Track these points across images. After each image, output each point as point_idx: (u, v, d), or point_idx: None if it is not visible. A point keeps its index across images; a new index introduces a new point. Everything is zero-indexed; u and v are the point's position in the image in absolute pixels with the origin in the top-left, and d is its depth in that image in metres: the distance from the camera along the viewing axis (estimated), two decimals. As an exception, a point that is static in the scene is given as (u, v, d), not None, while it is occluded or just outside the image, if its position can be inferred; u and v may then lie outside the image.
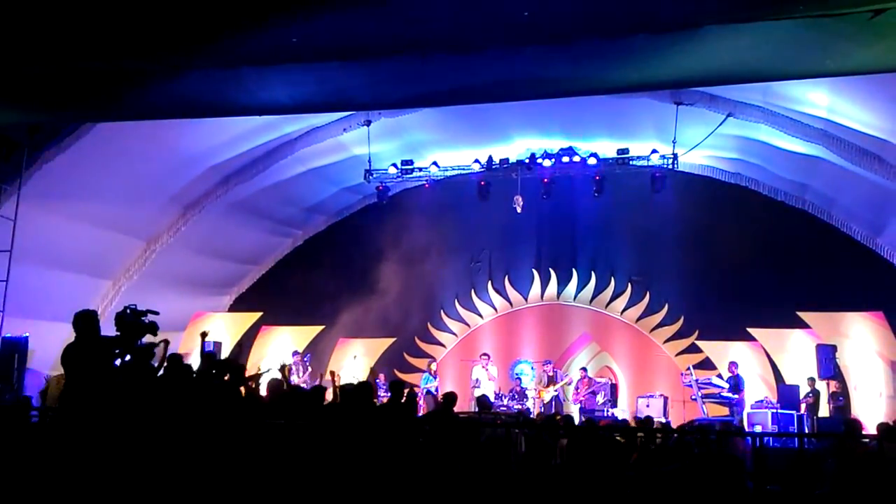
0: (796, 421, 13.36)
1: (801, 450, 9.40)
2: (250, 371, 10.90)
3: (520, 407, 14.81)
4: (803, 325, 14.83)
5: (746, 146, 15.05)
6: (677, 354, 16.74)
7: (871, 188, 13.64)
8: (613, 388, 15.89)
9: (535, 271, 18.17)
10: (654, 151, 15.26)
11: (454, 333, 18.55)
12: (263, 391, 8.56)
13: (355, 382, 8.95)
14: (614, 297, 17.58)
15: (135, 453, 5.98)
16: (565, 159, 15.88)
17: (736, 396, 14.08)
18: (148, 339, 6.64)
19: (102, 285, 15.81)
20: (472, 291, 18.48)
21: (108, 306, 15.39)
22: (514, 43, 8.40)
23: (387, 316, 17.80)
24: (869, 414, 13.82)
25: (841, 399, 13.82)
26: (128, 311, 6.25)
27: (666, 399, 14.73)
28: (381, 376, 16.74)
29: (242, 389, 8.04)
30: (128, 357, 6.54)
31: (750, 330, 15.40)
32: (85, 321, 5.96)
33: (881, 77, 9.64)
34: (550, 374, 15.77)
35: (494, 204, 17.13)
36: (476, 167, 16.35)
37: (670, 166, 15.08)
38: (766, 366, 15.47)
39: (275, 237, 19.26)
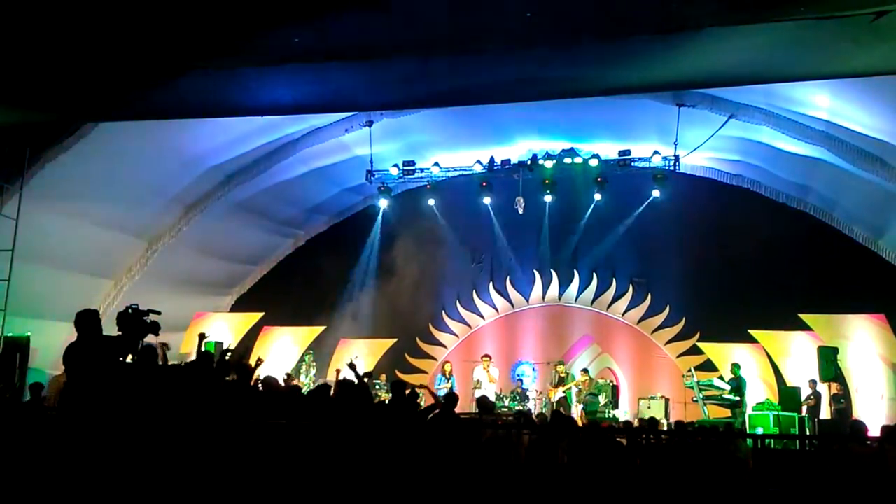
0: (797, 423, 13.35)
1: (802, 452, 9.40)
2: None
3: (521, 408, 14.78)
4: (805, 327, 14.81)
5: (748, 148, 15.04)
6: (679, 356, 16.73)
7: (872, 190, 13.63)
8: (615, 390, 15.87)
9: (536, 272, 18.17)
10: (655, 153, 15.26)
11: (455, 334, 18.54)
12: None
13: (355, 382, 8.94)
14: (616, 298, 17.57)
15: (137, 453, 5.99)
16: (567, 160, 15.89)
17: (738, 398, 14.07)
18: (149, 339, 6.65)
19: (104, 285, 15.84)
20: (474, 292, 18.48)
21: (109, 306, 15.41)
22: (516, 44, 8.42)
23: (388, 316, 17.80)
24: (870, 416, 13.81)
25: (842, 401, 13.80)
26: (129, 310, 6.24)
27: (667, 401, 14.72)
28: (383, 377, 16.74)
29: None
30: (129, 357, 6.54)
31: (751, 332, 15.37)
32: (86, 320, 5.96)
33: (883, 79, 9.64)
34: (563, 374, 15.70)
35: (496, 205, 17.14)
36: (478, 168, 16.36)
37: (672, 168, 15.07)
38: (768, 368, 15.45)
39: (276, 237, 19.27)
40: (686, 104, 13.71)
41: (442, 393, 15.22)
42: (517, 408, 14.74)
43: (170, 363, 9.91)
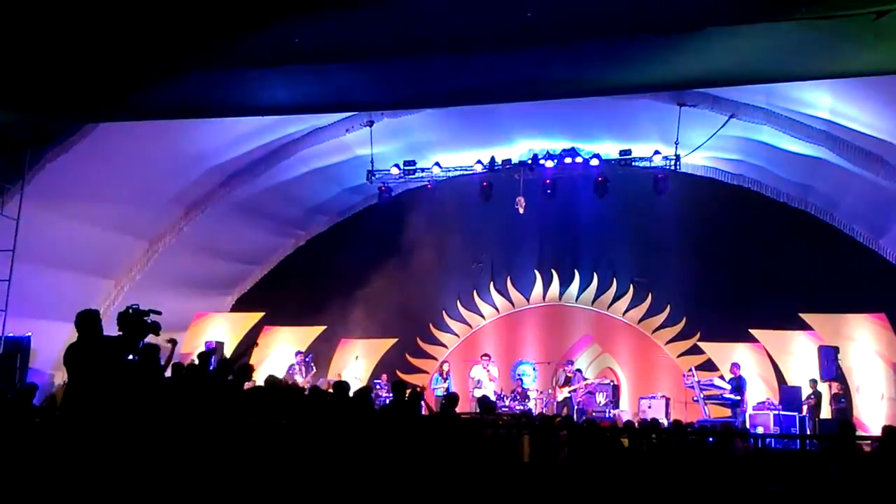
0: (798, 422, 13.35)
1: (803, 451, 9.38)
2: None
3: (521, 408, 14.78)
4: (805, 326, 14.81)
5: (749, 147, 15.04)
6: (679, 356, 16.72)
7: (873, 189, 13.63)
8: (615, 390, 15.86)
9: (537, 272, 18.16)
10: (656, 153, 15.24)
11: (456, 334, 18.54)
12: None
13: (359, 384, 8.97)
14: (616, 298, 17.56)
15: (139, 453, 5.99)
16: (567, 160, 15.87)
17: (738, 398, 14.06)
18: (150, 338, 6.65)
19: (105, 285, 15.85)
20: (475, 292, 18.47)
21: (110, 306, 15.42)
22: (517, 44, 8.41)
23: (389, 316, 17.80)
24: (871, 416, 13.82)
25: (843, 401, 13.80)
26: (130, 310, 6.24)
27: (668, 400, 14.71)
28: (384, 377, 16.76)
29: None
30: (131, 357, 6.55)
31: (752, 331, 15.38)
32: (87, 321, 5.96)
33: (884, 79, 9.63)
34: (570, 374, 15.67)
35: (497, 205, 17.12)
36: (478, 168, 16.35)
37: (673, 167, 15.05)
38: (768, 367, 15.45)
39: (277, 237, 19.28)
40: (687, 104, 13.69)
41: (439, 393, 15.25)
42: (518, 407, 14.75)
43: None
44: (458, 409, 10.03)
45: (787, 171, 15.41)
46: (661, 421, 13.10)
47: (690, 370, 15.06)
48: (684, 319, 16.79)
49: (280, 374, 16.03)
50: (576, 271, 17.86)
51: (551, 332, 17.82)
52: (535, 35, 8.08)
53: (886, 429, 8.78)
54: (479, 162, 16.30)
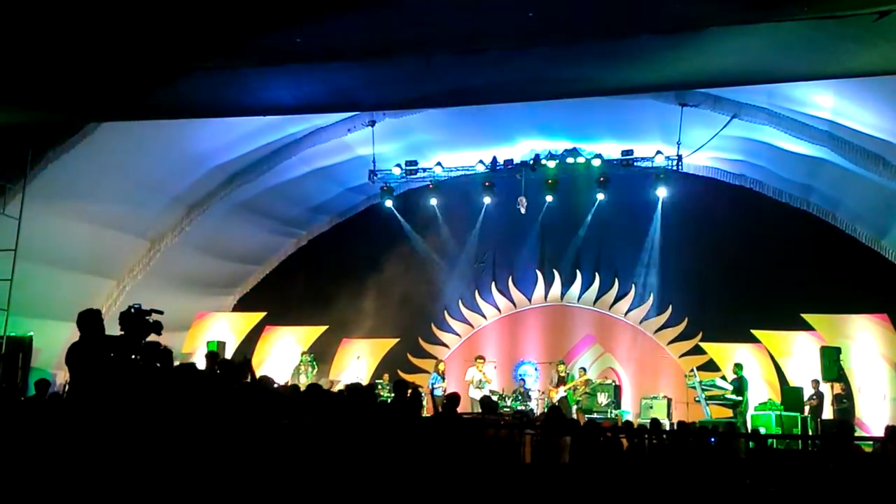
0: (800, 423, 13.34)
1: (805, 452, 9.38)
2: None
3: (523, 408, 14.78)
4: (807, 327, 14.79)
5: (751, 148, 15.02)
6: (681, 356, 16.72)
7: (875, 190, 13.61)
8: (617, 390, 15.86)
9: (538, 272, 18.16)
10: (658, 153, 15.23)
11: (458, 334, 18.54)
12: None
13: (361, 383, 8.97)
14: (618, 298, 17.56)
15: (140, 452, 5.99)
16: (569, 160, 15.87)
17: (740, 398, 14.06)
18: (152, 338, 6.65)
19: (107, 285, 15.85)
20: (476, 292, 18.48)
21: (112, 306, 15.43)
22: (519, 44, 8.42)
23: (390, 316, 17.80)
24: (873, 416, 13.81)
25: (845, 401, 13.79)
26: (132, 310, 6.25)
27: (670, 400, 14.71)
28: (385, 377, 16.76)
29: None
30: (133, 356, 6.55)
31: (754, 332, 15.36)
32: (89, 320, 5.97)
33: (886, 79, 9.62)
34: (563, 374, 15.67)
35: (498, 205, 17.13)
36: (480, 168, 16.35)
37: (675, 167, 15.05)
38: (770, 368, 15.44)
39: (279, 237, 19.28)
40: (689, 104, 13.69)
41: (438, 393, 15.26)
42: (519, 407, 14.74)
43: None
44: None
45: (789, 172, 15.40)
46: (662, 421, 13.11)
47: (692, 370, 15.05)
48: (686, 320, 16.79)
49: (285, 375, 16.13)
50: (577, 271, 17.86)
51: (553, 333, 17.82)
52: (536, 35, 8.09)
53: (889, 429, 8.78)
54: (480, 162, 16.30)
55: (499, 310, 18.45)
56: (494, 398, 13.34)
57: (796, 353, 15.14)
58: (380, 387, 15.76)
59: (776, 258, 15.77)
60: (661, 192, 15.90)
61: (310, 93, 10.14)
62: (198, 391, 7.08)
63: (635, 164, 15.66)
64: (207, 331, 17.65)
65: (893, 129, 11.76)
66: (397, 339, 18.23)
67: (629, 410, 15.72)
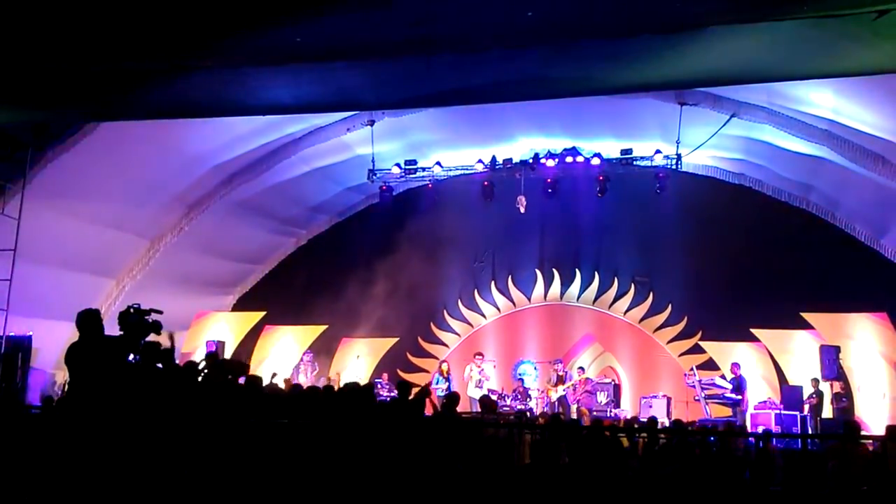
0: (799, 422, 13.35)
1: (804, 451, 9.37)
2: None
3: (522, 407, 14.78)
4: (807, 325, 14.80)
5: (750, 147, 15.03)
6: (680, 355, 16.71)
7: (875, 189, 13.62)
8: (617, 389, 15.87)
9: (538, 271, 18.15)
10: (657, 151, 15.23)
11: (457, 333, 18.54)
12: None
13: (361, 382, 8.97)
14: (617, 297, 17.56)
15: (140, 452, 5.99)
16: (569, 159, 15.87)
17: (739, 397, 14.07)
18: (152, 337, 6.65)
19: (106, 284, 15.85)
20: (476, 291, 18.47)
21: (111, 305, 15.43)
22: (519, 43, 8.41)
23: (390, 316, 17.79)
24: (872, 415, 13.81)
25: (844, 400, 13.79)
26: (131, 310, 6.25)
27: (669, 399, 14.71)
28: (385, 376, 16.77)
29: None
30: (131, 356, 6.55)
31: (753, 331, 15.37)
32: (88, 320, 5.96)
33: (885, 77, 9.62)
34: (560, 373, 15.65)
35: (498, 204, 17.12)
36: (479, 167, 16.34)
37: (674, 166, 15.05)
38: (770, 367, 15.44)
39: (278, 237, 19.28)
40: (688, 103, 13.69)
41: (440, 393, 15.23)
42: (518, 407, 14.74)
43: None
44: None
45: (789, 171, 15.41)
46: (660, 420, 13.12)
47: (692, 369, 15.06)
48: (685, 319, 16.79)
49: (285, 374, 16.12)
50: (577, 270, 17.86)
51: (552, 332, 17.82)
52: (536, 34, 8.08)
53: (890, 428, 8.78)
54: (480, 161, 16.30)
55: (498, 309, 18.45)
56: (493, 397, 13.33)
57: (795, 352, 15.15)
58: (379, 386, 15.76)
59: (775, 257, 15.77)
60: (661, 191, 15.89)
61: (310, 93, 10.13)
62: (192, 391, 7.09)
63: (635, 163, 15.67)
64: (207, 330, 17.66)
65: (893, 128, 11.76)
66: (397, 339, 18.22)
67: (629, 409, 15.72)
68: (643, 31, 8.01)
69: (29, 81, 9.44)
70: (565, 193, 16.68)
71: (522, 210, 16.41)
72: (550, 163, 15.95)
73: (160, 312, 6.40)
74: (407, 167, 16.59)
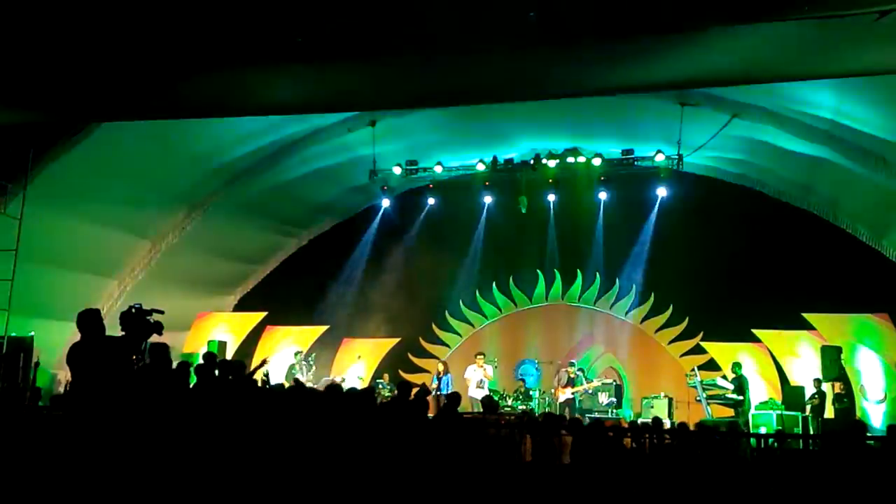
0: (801, 422, 13.34)
1: (806, 451, 9.39)
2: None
3: (524, 407, 14.77)
4: (808, 326, 14.78)
5: (751, 147, 15.02)
6: (682, 355, 16.72)
7: (876, 189, 13.62)
8: (618, 390, 15.86)
9: (539, 272, 18.16)
10: (658, 152, 15.21)
11: (459, 334, 18.55)
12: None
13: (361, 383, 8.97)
14: (619, 298, 17.57)
15: (143, 452, 6.00)
16: (570, 159, 15.85)
17: (741, 398, 14.05)
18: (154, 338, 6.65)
19: (108, 284, 15.86)
20: (477, 291, 18.48)
21: (113, 305, 15.43)
22: (520, 43, 8.40)
23: (391, 316, 17.81)
24: (873, 416, 13.80)
25: (845, 400, 13.78)
26: (133, 310, 6.25)
27: (671, 400, 14.71)
28: (386, 376, 16.77)
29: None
30: (134, 356, 6.55)
31: (755, 331, 15.36)
32: (89, 320, 5.96)
33: (886, 78, 9.62)
34: (573, 375, 15.62)
35: (499, 204, 17.11)
36: (481, 167, 16.32)
37: (675, 167, 15.04)
38: (771, 367, 15.44)
39: (280, 237, 19.29)
40: (689, 103, 13.66)
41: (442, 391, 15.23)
42: (520, 407, 14.73)
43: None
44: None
45: (790, 171, 15.40)
46: (663, 420, 13.10)
47: (693, 370, 15.05)
48: (687, 319, 16.81)
49: (281, 374, 16.11)
50: (578, 271, 17.87)
51: (554, 332, 17.84)
52: (537, 35, 8.08)
53: (892, 428, 8.78)
54: (481, 161, 16.29)
55: (500, 309, 18.46)
56: (495, 398, 13.32)
57: (797, 353, 15.14)
58: (380, 386, 15.76)
59: (777, 257, 15.77)
60: (662, 192, 15.91)
61: (311, 92, 10.14)
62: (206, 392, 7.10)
63: (636, 163, 15.64)
64: (208, 331, 17.65)
65: (893, 129, 11.75)
66: (398, 339, 18.23)
67: (630, 410, 15.72)
68: (645, 32, 8.01)
69: (31, 82, 9.44)
70: (566, 194, 16.70)
71: (524, 210, 16.41)
72: (551, 163, 15.93)
73: (162, 312, 6.39)
74: (408, 168, 16.58)
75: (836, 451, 8.11)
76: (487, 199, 17.30)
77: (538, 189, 16.47)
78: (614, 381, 16.08)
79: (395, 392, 11.15)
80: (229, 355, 16.12)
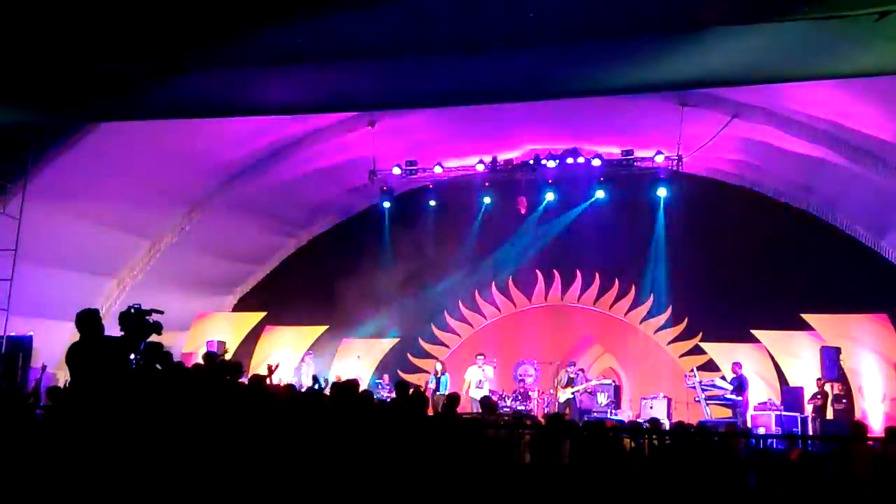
0: (799, 423, 13.34)
1: (805, 452, 9.37)
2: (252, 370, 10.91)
3: (523, 408, 14.76)
4: (807, 327, 14.79)
5: (751, 148, 15.02)
6: (681, 356, 16.71)
7: (875, 190, 13.62)
8: (617, 390, 15.86)
9: (538, 272, 18.15)
10: (658, 152, 15.22)
11: (458, 334, 18.54)
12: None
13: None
14: (618, 298, 17.56)
15: (141, 452, 5.99)
16: (570, 160, 15.86)
17: (739, 398, 14.06)
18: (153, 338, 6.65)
19: (107, 284, 15.86)
20: (476, 292, 18.47)
21: (112, 305, 15.43)
22: (520, 44, 8.40)
23: (391, 316, 17.81)
24: (872, 416, 13.81)
25: (844, 401, 13.79)
26: (132, 310, 6.24)
27: (669, 400, 14.70)
28: (385, 377, 16.77)
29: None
30: (133, 356, 6.55)
31: (754, 332, 15.36)
32: (88, 320, 5.96)
33: (886, 79, 9.61)
34: (572, 375, 15.60)
35: (498, 205, 17.11)
36: (480, 168, 16.34)
37: (675, 167, 15.05)
38: (770, 368, 15.44)
39: (279, 237, 19.29)
40: (689, 104, 13.68)
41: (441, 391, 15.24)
42: (518, 408, 14.73)
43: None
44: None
45: (789, 172, 15.40)
46: (661, 421, 13.10)
47: (692, 370, 15.05)
48: (686, 320, 16.79)
49: (285, 375, 16.11)
50: (577, 271, 17.86)
51: (553, 333, 17.82)
52: (537, 35, 8.08)
53: (890, 430, 8.78)
54: (480, 162, 16.30)
55: (499, 310, 18.46)
56: (493, 398, 13.31)
57: (796, 353, 15.14)
58: (379, 387, 15.76)
59: (776, 258, 15.77)
60: (662, 192, 15.90)
61: (310, 93, 10.13)
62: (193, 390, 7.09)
63: (635, 164, 15.66)
64: (207, 331, 17.65)
65: (893, 129, 11.75)
66: (397, 340, 18.23)
67: (629, 411, 15.71)
68: (644, 32, 8.01)
69: (29, 81, 9.44)
70: (566, 194, 16.68)
71: (523, 211, 16.42)
72: (551, 164, 15.94)
73: (161, 312, 6.39)
74: (407, 168, 16.58)
75: (836, 452, 8.10)
76: (487, 200, 17.29)
77: (538, 190, 16.46)
78: (613, 381, 16.08)
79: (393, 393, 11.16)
80: (229, 355, 16.13)
